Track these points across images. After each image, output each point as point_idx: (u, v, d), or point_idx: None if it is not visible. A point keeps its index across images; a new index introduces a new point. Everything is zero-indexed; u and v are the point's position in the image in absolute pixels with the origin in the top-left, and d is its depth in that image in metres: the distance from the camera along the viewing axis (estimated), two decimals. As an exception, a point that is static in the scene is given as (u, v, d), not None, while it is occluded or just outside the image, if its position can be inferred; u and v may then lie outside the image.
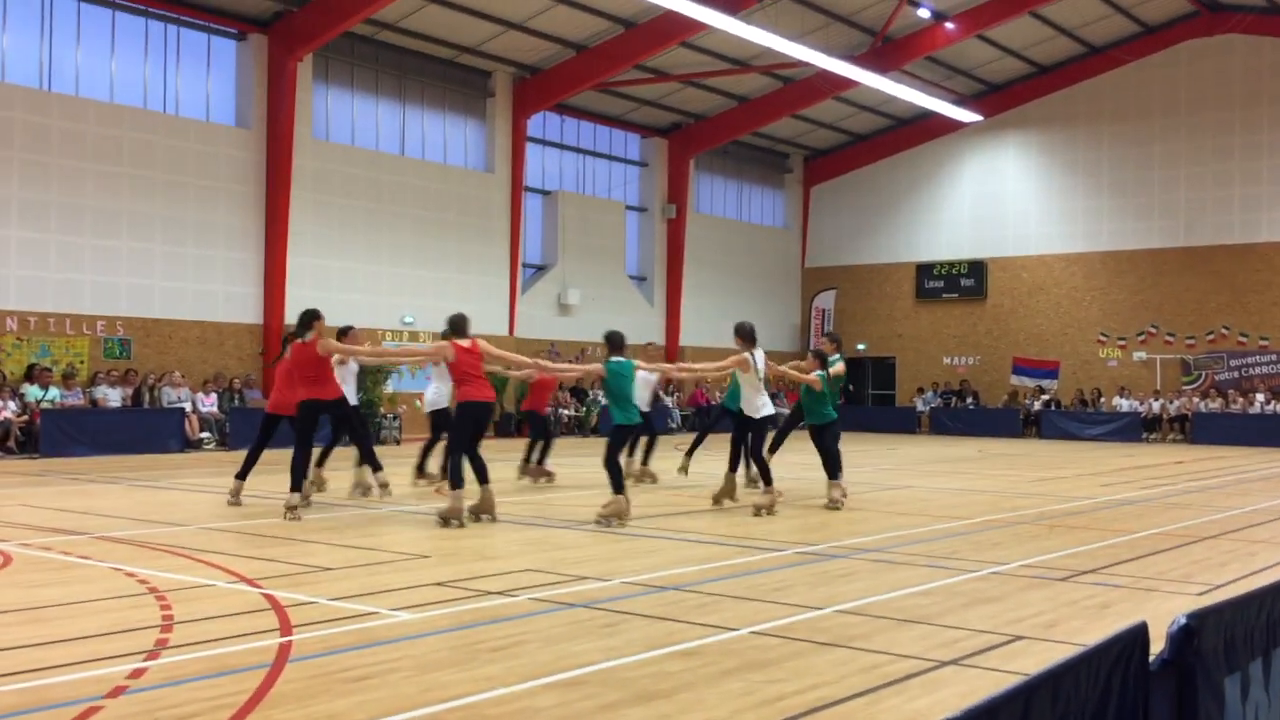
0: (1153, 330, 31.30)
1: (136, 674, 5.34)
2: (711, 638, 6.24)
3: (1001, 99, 33.18)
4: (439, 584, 7.71)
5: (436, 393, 14.00)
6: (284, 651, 5.80)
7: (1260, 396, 29.02)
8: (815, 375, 12.54)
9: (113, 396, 20.83)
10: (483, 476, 10.93)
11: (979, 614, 6.97)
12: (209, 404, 22.05)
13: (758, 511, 11.73)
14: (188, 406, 21.42)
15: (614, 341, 11.37)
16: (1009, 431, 30.79)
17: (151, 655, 5.69)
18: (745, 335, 12.14)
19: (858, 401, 35.60)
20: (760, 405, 12.04)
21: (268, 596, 7.17)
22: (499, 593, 7.43)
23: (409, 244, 26.12)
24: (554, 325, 29.67)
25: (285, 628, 6.34)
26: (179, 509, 12.14)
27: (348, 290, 24.99)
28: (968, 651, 5.99)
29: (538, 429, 15.65)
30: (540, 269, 29.99)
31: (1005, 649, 6.09)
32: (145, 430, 20.47)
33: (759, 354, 12.06)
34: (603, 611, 6.90)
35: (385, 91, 26.10)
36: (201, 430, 21.52)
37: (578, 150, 31.18)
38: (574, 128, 30.97)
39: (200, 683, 5.21)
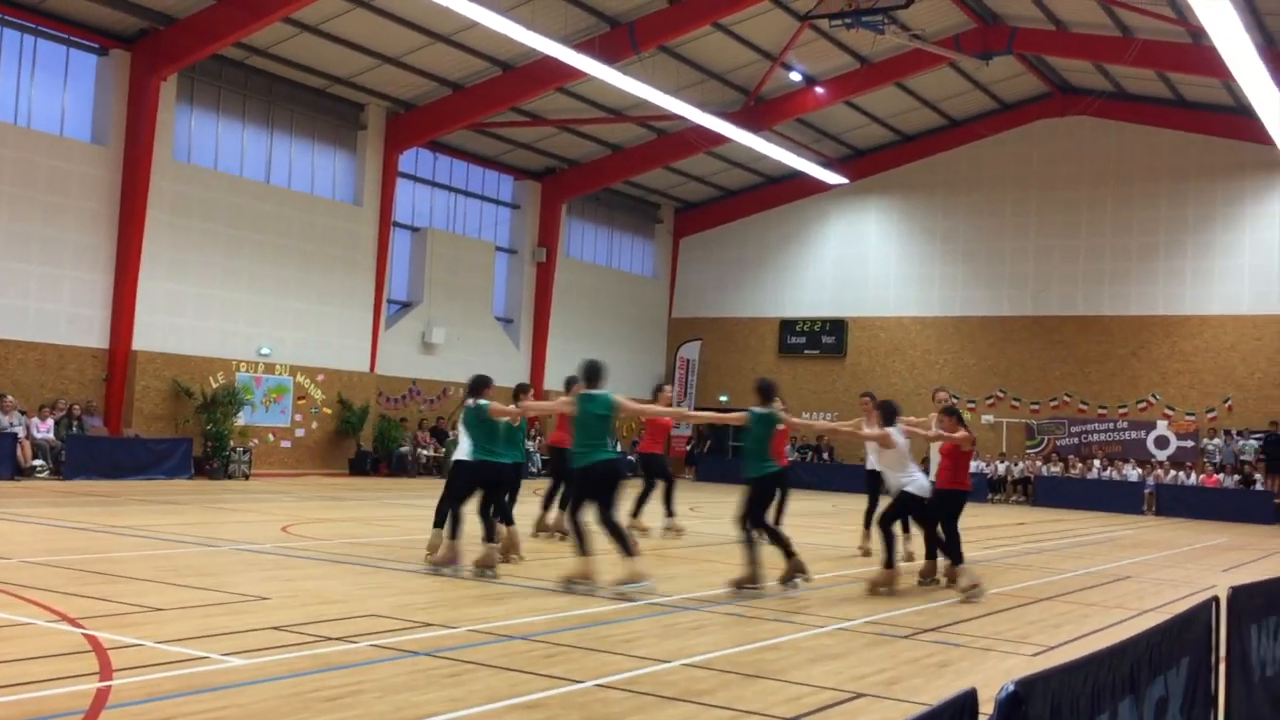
0: (1000, 394, 32.46)
1: (-66, 720, 4.98)
2: (556, 690, 6.13)
3: (866, 164, 34.22)
4: (276, 628, 7.42)
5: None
6: (101, 697, 5.48)
7: (1097, 462, 30.32)
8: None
9: (-61, 418, 19.65)
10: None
11: (823, 670, 7.02)
12: (44, 430, 20.98)
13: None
14: (20, 431, 20.34)
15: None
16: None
17: (-46, 699, 5.31)
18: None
19: (719, 453, 35.95)
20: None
21: (90, 638, 6.79)
22: (339, 638, 7.18)
23: (269, 273, 25.44)
24: (417, 363, 29.23)
25: (106, 672, 6.00)
26: (2, 541, 11.46)
27: (202, 317, 24.19)
28: (809, 709, 6.02)
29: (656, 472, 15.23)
30: (405, 306, 29.54)
31: (846, 706, 6.14)
32: (-28, 455, 19.35)
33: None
34: (447, 660, 6.73)
35: (252, 117, 25.49)
36: (35, 457, 20.45)
37: (449, 189, 30.94)
38: (447, 166, 30.74)
39: (5, 730, 4.88)
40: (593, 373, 10.18)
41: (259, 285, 25.22)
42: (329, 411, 26.50)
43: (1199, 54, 23.32)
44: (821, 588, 11.03)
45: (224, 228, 24.51)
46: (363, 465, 26.67)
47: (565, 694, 6.06)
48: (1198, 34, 21.73)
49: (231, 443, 23.46)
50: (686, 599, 9.67)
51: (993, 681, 6.78)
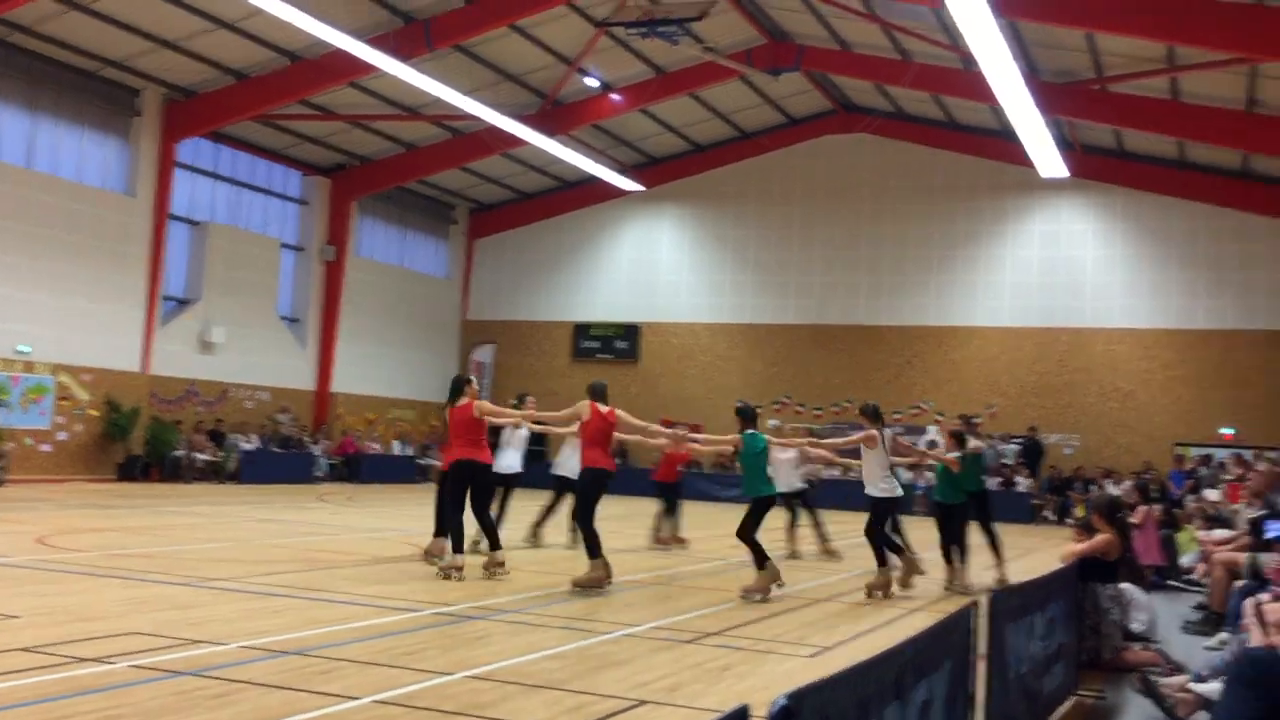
0: (786, 400, 33.47)
1: None
2: (330, 708, 5.91)
3: (661, 172, 34.72)
4: (26, 649, 6.89)
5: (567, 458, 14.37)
6: None
7: (875, 465, 31.64)
8: (953, 456, 12.94)
9: None
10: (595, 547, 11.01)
11: (607, 678, 7.02)
12: None
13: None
14: None
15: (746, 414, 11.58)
16: (651, 491, 31.80)
17: None
18: (870, 414, 12.23)
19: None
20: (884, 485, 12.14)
21: None
22: (95, 660, 6.73)
23: (28, 265, 23.69)
24: (194, 364, 27.86)
25: None
26: None
27: (-48, 312, 22.37)
28: (591, 718, 6.00)
29: (670, 497, 16.42)
30: (183, 303, 28.10)
31: (628, 714, 6.15)
32: None
33: (887, 432, 12.34)
34: (214, 680, 6.40)
35: (12, 98, 23.70)
36: None
37: (232, 181, 29.63)
38: (230, 157, 29.43)
39: None
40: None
41: (17, 278, 23.49)
42: (95, 413, 24.95)
43: (969, 79, 24.65)
44: (610, 593, 11.06)
45: (-22, 215, 22.73)
46: (133, 470, 25.23)
47: (340, 712, 5.85)
48: (969, 60, 22.97)
49: (-16, 446, 21.79)
50: (473, 607, 9.52)
51: (771, 684, 6.94)
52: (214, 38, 23.91)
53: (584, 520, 11.09)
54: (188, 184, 28.12)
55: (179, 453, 26.19)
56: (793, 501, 15.97)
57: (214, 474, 26.66)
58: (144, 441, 25.80)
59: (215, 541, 13.96)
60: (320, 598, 9.67)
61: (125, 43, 23.69)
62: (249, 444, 27.85)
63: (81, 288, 24.68)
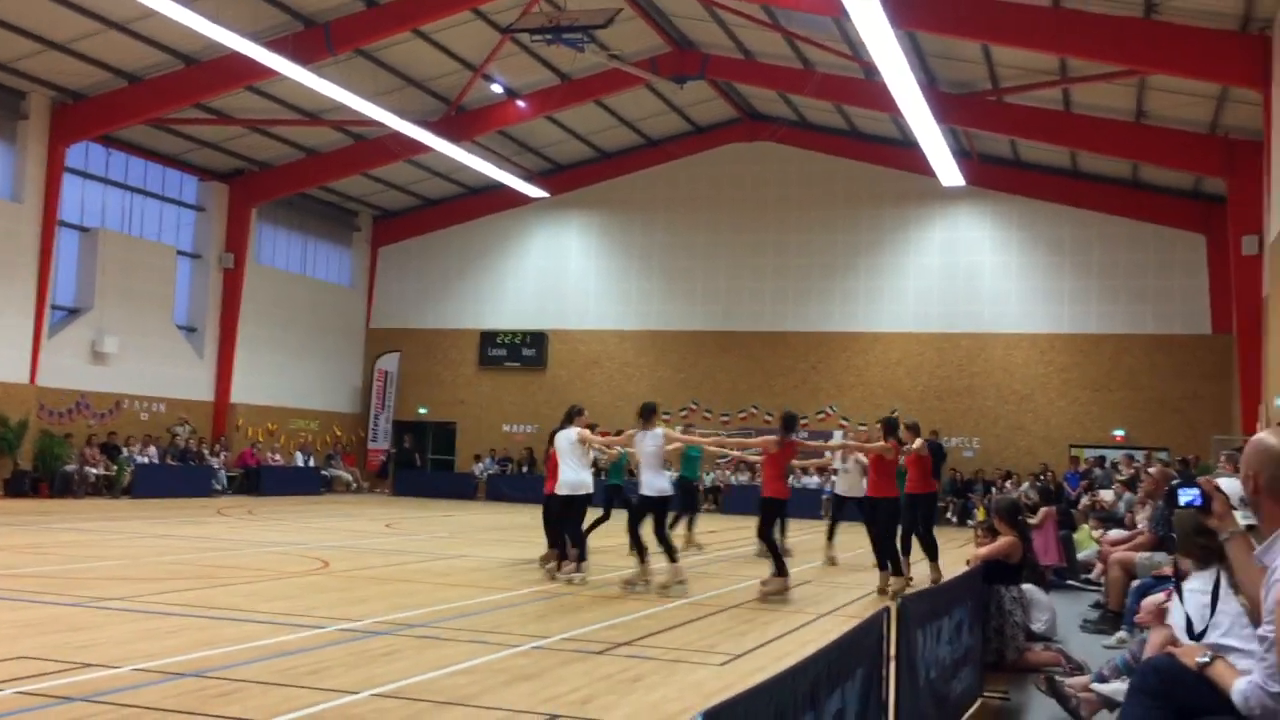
0: (694, 406, 33.61)
1: None
2: (231, 733, 5.72)
3: (567, 179, 34.62)
4: (-98, 679, 6.54)
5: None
6: None
7: (781, 470, 31.89)
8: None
9: None
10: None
11: (518, 692, 6.92)
12: None
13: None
14: None
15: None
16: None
17: None
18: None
19: (417, 466, 35.36)
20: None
21: None
22: (-21, 688, 6.42)
23: (-91, 274, 22.76)
24: (86, 375, 26.96)
25: None
26: None
27: None
28: (503, 735, 5.89)
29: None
30: (73, 312, 27.19)
31: (540, 730, 6.06)
32: None
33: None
34: (108, 705, 6.15)
35: (-110, 99, 22.77)
36: None
37: (125, 187, 28.76)
38: (122, 162, 28.57)
39: None
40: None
41: (-105, 287, 22.52)
42: (-20, 428, 23.99)
43: (871, 89, 25.05)
44: (520, 604, 10.95)
45: None
46: (21, 486, 24.31)
47: (241, 736, 5.67)
48: (870, 70, 23.35)
49: None
50: (379, 623, 9.33)
51: (683, 695, 6.91)
52: (105, 39, 23.21)
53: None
54: (78, 189, 27.25)
55: (70, 467, 25.32)
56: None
57: (107, 489, 25.84)
58: (32, 456, 24.89)
59: (108, 559, 13.50)
60: (218, 616, 9.39)
61: (11, 44, 22.87)
62: (144, 457, 27.05)
63: (-36, 297, 23.74)
